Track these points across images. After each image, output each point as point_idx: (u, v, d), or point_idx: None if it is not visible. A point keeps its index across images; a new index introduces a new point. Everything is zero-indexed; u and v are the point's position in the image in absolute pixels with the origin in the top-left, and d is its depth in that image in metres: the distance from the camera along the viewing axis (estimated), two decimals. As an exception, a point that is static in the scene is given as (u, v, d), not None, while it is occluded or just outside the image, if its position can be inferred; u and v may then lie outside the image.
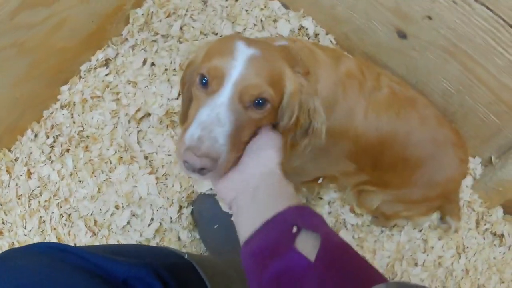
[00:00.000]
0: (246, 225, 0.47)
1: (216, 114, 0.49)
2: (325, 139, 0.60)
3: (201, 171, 0.48)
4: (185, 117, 0.63)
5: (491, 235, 1.05)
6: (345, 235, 0.95)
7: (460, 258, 1.01)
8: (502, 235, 1.05)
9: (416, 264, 0.97)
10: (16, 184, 0.98)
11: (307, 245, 0.42)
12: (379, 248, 0.96)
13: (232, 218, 0.51)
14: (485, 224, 1.04)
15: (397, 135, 0.75)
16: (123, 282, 0.49)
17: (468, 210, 1.03)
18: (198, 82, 0.53)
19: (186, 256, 0.63)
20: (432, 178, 0.82)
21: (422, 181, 0.82)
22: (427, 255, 0.98)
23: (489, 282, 1.02)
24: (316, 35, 1.00)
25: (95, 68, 1.00)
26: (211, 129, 0.48)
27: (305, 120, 0.57)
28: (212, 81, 0.51)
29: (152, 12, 1.02)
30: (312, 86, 0.60)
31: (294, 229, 0.43)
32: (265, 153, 0.53)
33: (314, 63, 0.66)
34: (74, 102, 1.00)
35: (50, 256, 0.47)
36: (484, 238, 1.04)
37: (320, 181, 0.87)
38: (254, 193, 0.49)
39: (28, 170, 0.99)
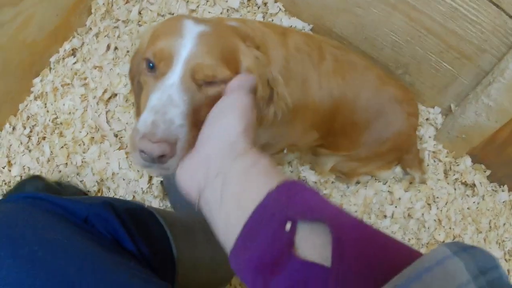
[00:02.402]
0: (223, 228, 0.39)
1: (167, 95, 0.47)
2: (289, 107, 0.60)
3: (161, 159, 0.44)
4: (139, 110, 0.62)
5: (463, 186, 1.09)
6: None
7: (431, 209, 1.05)
8: (474, 185, 1.09)
9: (385, 216, 1.02)
10: (-1, 176, 1.06)
11: (314, 245, 0.32)
12: (346, 203, 1.01)
13: (204, 215, 0.43)
14: (454, 174, 1.08)
15: (346, 99, 0.81)
16: (84, 220, 0.55)
17: (434, 161, 1.08)
18: (145, 68, 0.51)
19: (145, 206, 0.68)
20: (380, 136, 0.88)
21: (370, 140, 0.88)
22: (395, 207, 1.03)
23: (465, 232, 1.06)
24: (265, 4, 1.07)
25: (63, 59, 1.09)
26: (164, 111, 0.45)
27: (265, 90, 0.56)
28: (160, 64, 0.49)
29: (112, 1, 1.10)
30: (266, 57, 0.60)
31: (288, 226, 0.33)
32: (224, 121, 0.45)
33: (265, 42, 0.67)
34: (46, 92, 1.08)
35: (23, 203, 0.54)
36: (455, 189, 1.08)
37: (285, 151, 0.93)
38: (221, 180, 0.40)
39: (9, 161, 1.07)
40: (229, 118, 0.45)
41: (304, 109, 0.76)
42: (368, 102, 0.83)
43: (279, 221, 0.33)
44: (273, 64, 0.64)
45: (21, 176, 1.05)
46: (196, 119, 0.48)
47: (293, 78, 0.72)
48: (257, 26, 0.70)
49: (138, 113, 0.64)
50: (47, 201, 0.55)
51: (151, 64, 0.50)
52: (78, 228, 0.53)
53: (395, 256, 0.31)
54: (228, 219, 0.38)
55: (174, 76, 0.48)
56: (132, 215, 0.61)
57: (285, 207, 0.34)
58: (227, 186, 0.39)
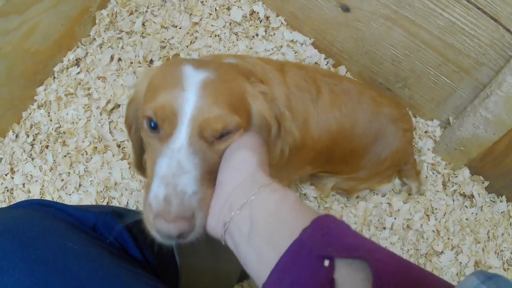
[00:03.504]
0: (254, 262, 0.38)
1: (176, 162, 0.43)
2: (297, 142, 0.59)
3: (180, 236, 0.43)
4: (138, 161, 0.60)
5: (461, 197, 1.12)
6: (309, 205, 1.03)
7: (429, 220, 1.07)
8: (472, 196, 1.11)
9: (384, 228, 1.04)
10: (1, 184, 1.08)
11: (354, 282, 0.32)
12: (346, 215, 1.03)
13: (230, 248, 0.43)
14: (452, 186, 1.10)
15: (344, 130, 0.82)
16: (93, 228, 0.56)
17: (433, 173, 1.10)
18: (146, 127, 0.47)
19: None
20: (379, 157, 0.91)
21: (370, 163, 0.91)
22: (395, 218, 1.05)
23: (464, 242, 1.08)
24: (267, 18, 1.10)
25: (67, 68, 1.11)
26: (175, 182, 0.43)
27: (274, 125, 0.54)
28: (163, 124, 0.45)
29: (116, 11, 1.13)
30: (271, 92, 0.58)
31: (326, 262, 0.33)
32: (239, 157, 0.45)
33: (267, 78, 0.67)
34: (50, 101, 1.10)
35: (32, 209, 0.55)
36: (453, 200, 1.11)
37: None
38: (248, 212, 0.40)
39: (12, 169, 1.09)
40: (243, 153, 0.45)
41: (302, 147, 0.74)
42: (365, 128, 0.85)
43: (316, 257, 0.33)
44: (277, 101, 0.62)
45: (24, 184, 1.07)
46: (211, 176, 0.45)
47: (295, 118, 0.71)
48: (256, 61, 0.69)
49: (137, 165, 0.62)
50: (56, 208, 0.56)
51: (152, 124, 0.46)
52: (87, 235, 0.54)
53: (428, 283, 0.32)
54: (260, 253, 0.37)
55: (181, 137, 0.44)
56: (137, 223, 0.61)
57: (321, 243, 0.34)
58: (256, 219, 0.39)
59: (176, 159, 0.44)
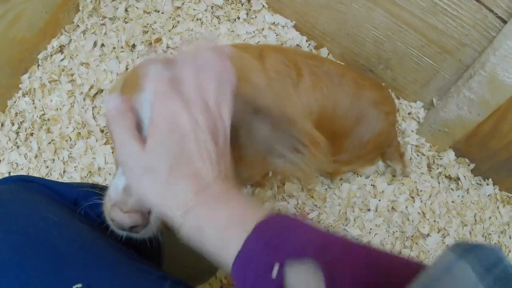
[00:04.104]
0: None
1: None
2: None
3: (133, 228, 0.44)
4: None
5: (447, 179, 1.12)
6: (292, 188, 1.03)
7: (414, 202, 1.07)
8: (458, 179, 1.11)
9: (368, 210, 1.04)
10: (-12, 172, 1.09)
11: (307, 284, 0.31)
12: (330, 196, 1.04)
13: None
14: (437, 168, 1.11)
15: (325, 112, 0.82)
16: (74, 202, 0.57)
17: (418, 155, 1.10)
18: None
19: None
20: (361, 140, 0.91)
21: (352, 145, 0.91)
22: (379, 200, 1.06)
23: (450, 225, 1.09)
24: (249, 1, 1.11)
25: (51, 55, 1.12)
26: None
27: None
28: None
29: (100, -2, 1.14)
30: (248, 83, 0.59)
31: (274, 272, 0.31)
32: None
33: (245, 68, 0.67)
34: (34, 89, 1.11)
35: (14, 185, 0.56)
36: (439, 183, 1.11)
37: (270, 174, 0.95)
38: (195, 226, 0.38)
39: (-2, 157, 1.10)
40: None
41: None
42: (347, 110, 0.85)
43: (263, 267, 0.32)
44: (257, 91, 0.62)
45: (10, 173, 1.08)
46: None
47: (277, 105, 0.68)
48: (233, 53, 0.64)
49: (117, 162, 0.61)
50: (37, 183, 0.57)
51: None
52: (68, 209, 0.55)
53: (395, 273, 0.31)
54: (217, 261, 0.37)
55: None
56: None
57: (267, 252, 0.33)
58: (202, 231, 0.37)
59: None
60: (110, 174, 1.03)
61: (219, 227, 0.36)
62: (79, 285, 0.44)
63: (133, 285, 0.47)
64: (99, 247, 0.50)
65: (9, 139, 1.11)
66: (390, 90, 1.09)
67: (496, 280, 0.28)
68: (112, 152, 1.03)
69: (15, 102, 1.13)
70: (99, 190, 0.60)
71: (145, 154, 0.39)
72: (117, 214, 0.43)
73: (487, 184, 1.14)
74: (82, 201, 0.57)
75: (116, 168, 0.62)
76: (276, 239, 0.33)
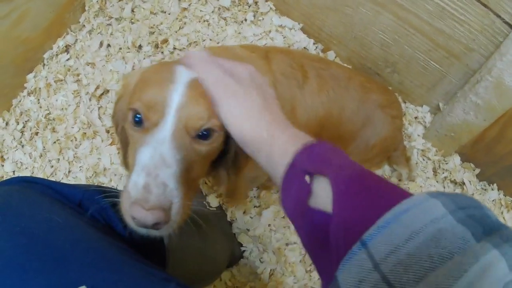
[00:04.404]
0: (273, 176, 0.48)
1: (159, 154, 0.45)
2: None
3: (155, 226, 0.44)
4: (125, 159, 0.61)
5: (452, 184, 1.12)
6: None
7: (419, 206, 1.07)
8: (463, 183, 1.12)
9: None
10: (-8, 171, 1.10)
11: (322, 195, 0.40)
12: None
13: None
14: (443, 173, 1.11)
15: (331, 115, 0.82)
16: (78, 204, 0.57)
17: (423, 159, 1.10)
18: (131, 120, 0.49)
19: None
20: (367, 143, 0.91)
21: (358, 149, 0.91)
22: (384, 204, 1.05)
23: (454, 230, 1.09)
24: (256, 2, 1.11)
25: (56, 55, 1.13)
26: (156, 173, 0.44)
27: None
28: (149, 114, 0.47)
29: (106, -2, 1.14)
30: None
31: (307, 178, 0.41)
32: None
33: None
34: (40, 88, 1.11)
35: (18, 186, 0.56)
36: (444, 187, 1.11)
37: None
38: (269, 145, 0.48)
39: (2, 156, 1.10)
40: (251, 95, 0.50)
41: None
42: (353, 114, 0.85)
43: (301, 173, 0.42)
44: None
45: (14, 172, 1.08)
46: (187, 179, 0.46)
47: (282, 106, 0.72)
48: (239, 52, 0.70)
49: (125, 162, 0.63)
50: (42, 184, 0.56)
51: (137, 117, 0.48)
52: (72, 210, 0.54)
53: (385, 199, 0.36)
54: (275, 171, 0.47)
55: (166, 129, 0.46)
56: None
57: (304, 163, 0.43)
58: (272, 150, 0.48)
59: (159, 151, 0.45)
60: (115, 175, 1.03)
61: (283, 143, 0.47)
62: (83, 286, 0.43)
63: (138, 287, 0.47)
64: (104, 248, 0.50)
65: (14, 138, 1.11)
66: (396, 94, 1.09)
67: (471, 217, 0.30)
68: (118, 153, 1.03)
69: (20, 101, 1.13)
70: (103, 192, 0.59)
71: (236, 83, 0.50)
72: (139, 212, 0.42)
73: (492, 189, 1.14)
74: (87, 202, 0.57)
75: (127, 169, 0.63)
76: (314, 155, 0.43)
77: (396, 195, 0.36)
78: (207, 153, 0.50)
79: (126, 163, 0.62)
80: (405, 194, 0.36)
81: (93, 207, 0.57)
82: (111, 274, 0.47)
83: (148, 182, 0.43)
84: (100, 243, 0.51)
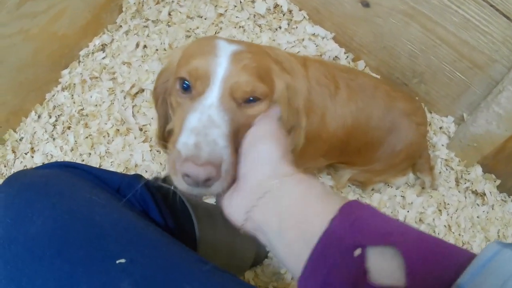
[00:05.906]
0: (287, 258, 0.40)
1: (207, 116, 0.47)
2: (303, 143, 0.63)
3: (206, 182, 0.45)
4: (161, 133, 0.64)
5: (473, 195, 1.17)
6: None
7: (441, 215, 1.12)
8: (484, 194, 1.16)
9: (397, 220, 1.08)
10: (21, 162, 1.13)
11: (388, 269, 0.34)
12: (360, 204, 1.08)
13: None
14: (465, 183, 1.16)
15: (359, 124, 0.86)
16: (117, 190, 0.60)
17: (446, 169, 1.16)
18: (179, 88, 0.52)
19: (172, 187, 0.74)
20: (393, 150, 0.95)
21: (384, 155, 0.96)
22: (408, 211, 1.10)
23: (474, 239, 1.13)
24: (290, 11, 1.18)
25: (92, 53, 1.18)
26: (206, 132, 0.46)
27: (290, 120, 0.58)
28: (196, 83, 0.50)
29: (143, 0, 1.21)
30: (296, 85, 0.64)
31: (357, 251, 0.34)
32: (262, 148, 0.47)
33: (292, 70, 0.71)
34: (74, 84, 1.17)
35: (58, 170, 0.59)
36: (465, 197, 1.16)
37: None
38: (272, 201, 0.42)
39: (32, 148, 1.14)
40: (266, 144, 0.47)
41: (317, 139, 0.80)
42: (379, 122, 0.89)
43: (347, 246, 0.35)
44: (299, 94, 0.66)
45: (43, 163, 1.12)
46: (236, 140, 0.48)
47: (314, 111, 0.77)
48: (282, 53, 0.73)
49: (159, 135, 0.66)
50: (82, 169, 0.59)
51: (185, 84, 0.51)
52: (111, 194, 0.57)
53: (459, 262, 0.33)
54: (291, 248, 0.39)
55: (213, 95, 0.49)
56: (160, 190, 0.64)
57: (350, 232, 0.35)
58: (283, 213, 0.40)
59: (207, 114, 0.47)
60: (146, 171, 1.07)
61: (305, 204, 0.41)
62: (123, 260, 0.45)
63: (174, 265, 0.49)
64: (141, 228, 0.52)
65: (45, 131, 1.15)
66: (423, 104, 1.15)
67: None
68: (150, 150, 1.08)
69: (53, 95, 1.18)
70: (141, 179, 0.61)
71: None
72: (191, 168, 0.43)
73: (512, 201, 1.19)
74: (125, 189, 0.59)
75: (160, 142, 0.67)
76: (361, 221, 0.36)
77: (458, 252, 0.35)
78: (253, 116, 0.52)
79: (162, 137, 0.65)
80: (465, 251, 0.35)
81: (131, 193, 0.59)
82: (149, 250, 0.49)
83: (198, 140, 0.45)
84: (138, 224, 0.53)
